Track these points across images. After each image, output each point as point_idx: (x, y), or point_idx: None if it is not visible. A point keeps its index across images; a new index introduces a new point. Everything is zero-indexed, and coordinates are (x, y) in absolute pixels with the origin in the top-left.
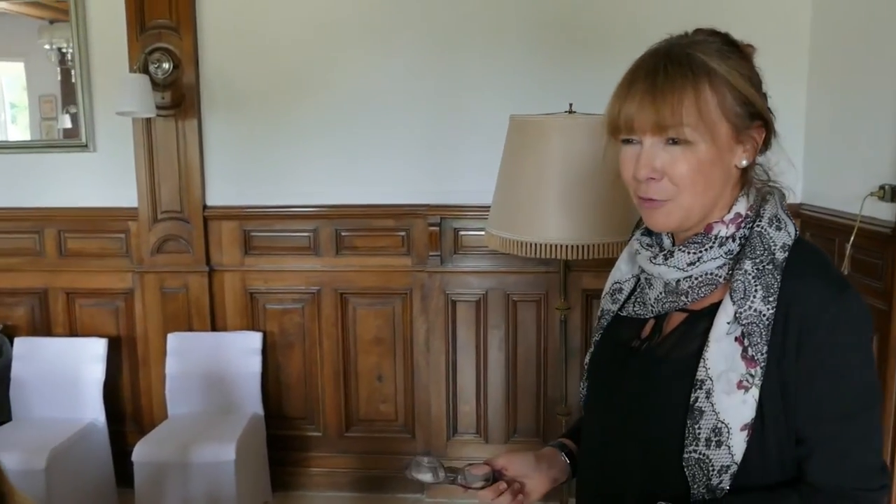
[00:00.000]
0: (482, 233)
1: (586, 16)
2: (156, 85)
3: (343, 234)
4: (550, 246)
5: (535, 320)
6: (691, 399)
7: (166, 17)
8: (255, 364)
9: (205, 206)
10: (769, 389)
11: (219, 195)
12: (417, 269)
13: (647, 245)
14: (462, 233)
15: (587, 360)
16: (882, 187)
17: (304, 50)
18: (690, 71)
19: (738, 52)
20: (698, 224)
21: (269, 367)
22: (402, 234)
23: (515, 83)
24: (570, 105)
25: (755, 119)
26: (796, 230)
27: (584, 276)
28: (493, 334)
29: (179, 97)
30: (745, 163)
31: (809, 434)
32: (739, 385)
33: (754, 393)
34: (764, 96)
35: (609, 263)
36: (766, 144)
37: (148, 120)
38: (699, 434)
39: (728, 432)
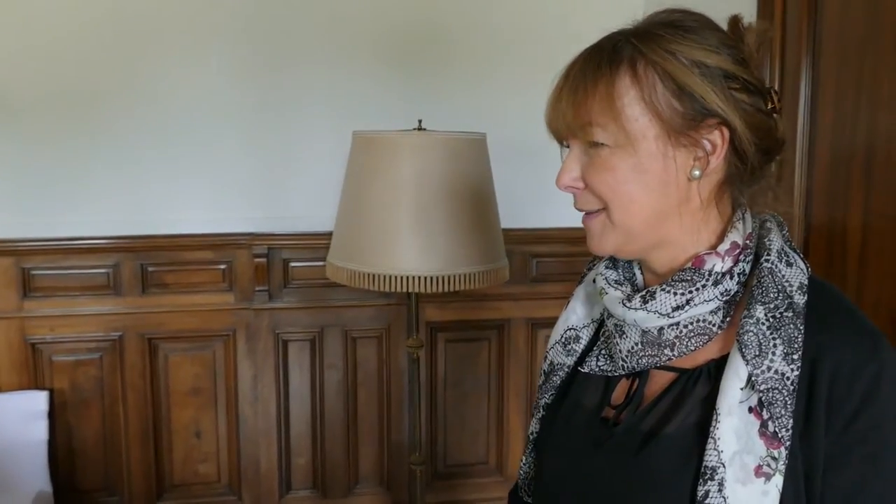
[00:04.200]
0: (317, 264)
1: (433, 27)
2: None
3: (150, 269)
4: (405, 278)
5: (377, 358)
6: (699, 493)
7: None
8: (39, 430)
9: None
10: (791, 475)
11: None
12: (241, 306)
13: (616, 283)
14: (293, 264)
15: (534, 428)
16: None
17: (97, 52)
18: (607, 60)
19: (706, 32)
20: (664, 251)
21: (57, 433)
22: (223, 267)
23: (355, 97)
24: (420, 121)
25: (708, 117)
26: (808, 266)
27: (427, 307)
28: (330, 376)
29: None
30: (697, 173)
31: None
32: (759, 471)
33: (777, 481)
34: (742, 89)
35: (457, 295)
36: (745, 152)
37: None
38: None
39: None
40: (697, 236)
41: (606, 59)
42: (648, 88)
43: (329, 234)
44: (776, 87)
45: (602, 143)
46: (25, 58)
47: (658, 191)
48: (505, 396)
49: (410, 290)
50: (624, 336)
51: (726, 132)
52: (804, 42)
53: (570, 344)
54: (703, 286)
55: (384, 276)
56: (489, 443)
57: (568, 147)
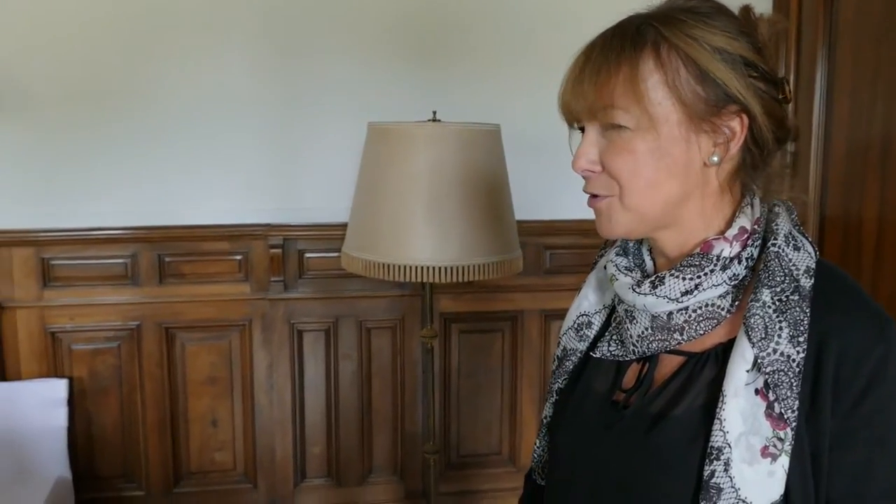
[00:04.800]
0: (332, 254)
1: (448, 19)
2: None
3: (167, 259)
4: (419, 268)
5: (391, 348)
6: (705, 473)
7: None
8: (59, 417)
9: None
10: (797, 455)
11: (7, 217)
12: (257, 297)
13: (626, 269)
14: (308, 255)
15: (548, 412)
16: None
17: (115, 45)
18: (630, 43)
19: (724, 19)
20: (674, 232)
21: (77, 420)
22: (239, 257)
23: (370, 88)
24: (434, 113)
25: (729, 103)
26: (816, 250)
27: (442, 298)
28: (344, 366)
29: None
30: (716, 159)
31: None
32: (765, 452)
33: (783, 462)
34: (760, 77)
35: (470, 286)
36: (762, 140)
37: None
38: None
39: None
40: (710, 221)
41: (630, 41)
42: (672, 73)
43: (344, 225)
44: (791, 78)
45: (623, 126)
46: (46, 51)
47: (678, 175)
48: (518, 387)
49: (425, 281)
50: (634, 321)
51: (746, 119)
52: (820, 33)
53: (582, 330)
54: (712, 271)
55: (399, 267)
56: (502, 433)
57: (580, 130)
